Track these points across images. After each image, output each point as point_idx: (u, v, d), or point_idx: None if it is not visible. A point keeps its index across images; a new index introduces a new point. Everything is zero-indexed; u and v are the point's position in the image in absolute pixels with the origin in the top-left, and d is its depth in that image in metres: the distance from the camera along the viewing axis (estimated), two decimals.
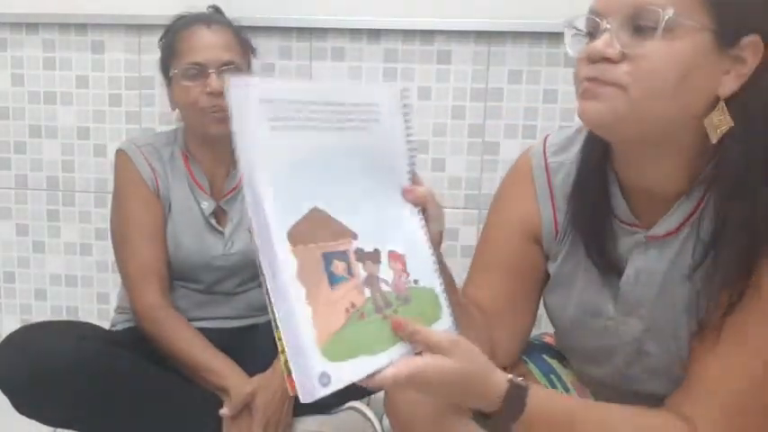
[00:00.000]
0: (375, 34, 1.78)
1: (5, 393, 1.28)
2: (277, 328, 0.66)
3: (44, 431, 1.42)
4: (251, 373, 1.40)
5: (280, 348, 0.67)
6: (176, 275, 1.53)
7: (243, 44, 1.55)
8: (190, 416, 1.38)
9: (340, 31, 1.79)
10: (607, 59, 0.79)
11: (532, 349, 1.13)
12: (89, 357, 1.27)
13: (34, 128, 1.91)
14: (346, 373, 0.69)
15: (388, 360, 0.72)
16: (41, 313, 2.00)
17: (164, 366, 1.41)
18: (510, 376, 0.80)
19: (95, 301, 1.97)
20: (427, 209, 0.83)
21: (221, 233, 1.52)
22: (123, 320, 1.55)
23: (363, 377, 0.70)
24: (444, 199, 1.83)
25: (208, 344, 1.43)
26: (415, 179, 0.83)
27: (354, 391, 1.45)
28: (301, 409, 1.46)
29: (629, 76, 0.79)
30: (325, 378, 0.67)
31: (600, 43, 0.80)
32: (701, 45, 0.78)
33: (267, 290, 0.67)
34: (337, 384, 0.68)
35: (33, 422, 1.33)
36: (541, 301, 1.08)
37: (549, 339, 1.19)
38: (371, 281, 0.75)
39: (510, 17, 1.72)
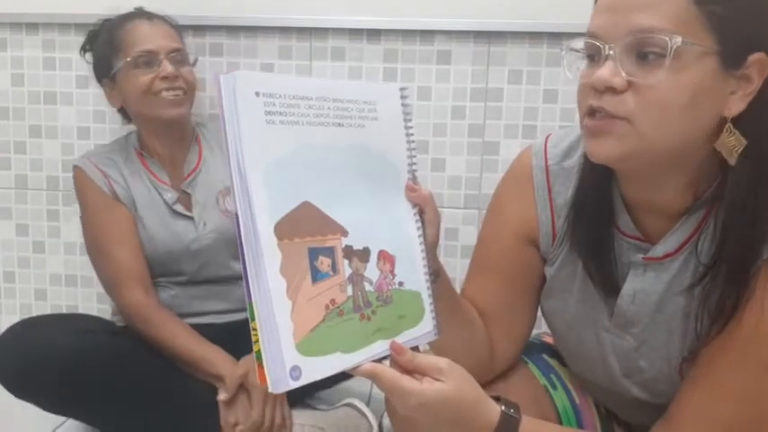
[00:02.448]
0: (375, 34, 1.78)
1: (5, 386, 1.28)
2: (253, 318, 0.67)
3: (44, 431, 1.42)
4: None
5: (254, 338, 0.67)
6: (158, 271, 1.55)
7: (182, 37, 1.62)
8: (189, 406, 1.39)
9: (340, 31, 1.79)
10: (612, 89, 0.78)
11: (532, 349, 1.13)
12: (89, 350, 1.29)
13: (34, 128, 1.91)
14: (318, 368, 0.69)
15: (361, 359, 0.73)
16: (41, 313, 1.99)
17: (163, 358, 1.43)
18: (503, 407, 0.80)
19: (95, 301, 1.97)
20: (425, 212, 0.83)
21: (191, 218, 1.54)
22: (121, 320, 1.55)
23: (334, 373, 0.71)
24: (444, 199, 1.83)
25: (197, 335, 1.45)
26: (415, 180, 0.83)
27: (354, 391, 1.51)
28: (294, 396, 1.48)
29: (636, 107, 0.77)
30: (296, 372, 0.67)
31: (605, 72, 0.77)
32: (708, 69, 0.76)
33: (247, 279, 0.67)
34: (308, 379, 0.68)
35: (33, 422, 1.33)
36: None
37: (548, 339, 1.19)
38: (355, 279, 0.75)
39: (510, 17, 1.72)
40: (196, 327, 1.48)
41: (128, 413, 1.34)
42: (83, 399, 1.30)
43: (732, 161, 0.80)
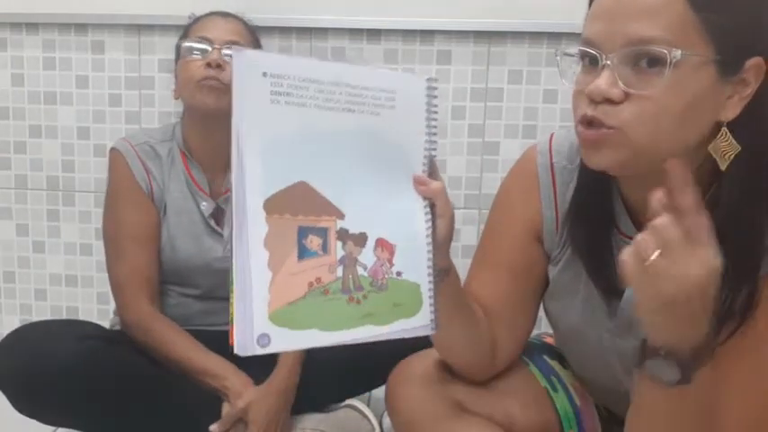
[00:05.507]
0: (375, 34, 1.78)
1: (5, 393, 1.28)
2: (232, 282, 0.69)
3: (44, 431, 1.42)
4: (249, 373, 1.40)
5: (230, 299, 0.69)
6: (173, 280, 1.51)
7: (254, 42, 1.55)
8: (189, 414, 1.38)
9: (340, 31, 1.78)
10: (609, 100, 0.77)
11: (533, 349, 1.13)
12: (89, 357, 1.27)
13: (34, 128, 1.91)
14: (290, 340, 0.72)
15: (342, 339, 0.75)
16: (41, 313, 1.99)
17: (163, 365, 1.41)
18: None
19: (95, 301, 1.97)
20: (436, 205, 0.82)
21: (220, 235, 1.50)
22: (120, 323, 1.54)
23: (310, 348, 0.74)
24: None
25: (202, 347, 1.42)
26: (432, 172, 0.82)
27: (354, 389, 1.51)
28: (299, 408, 1.47)
29: (631, 117, 0.77)
30: (264, 339, 0.70)
31: (603, 83, 0.77)
32: (706, 78, 0.76)
33: (232, 248, 0.69)
34: (277, 348, 0.71)
35: (33, 422, 1.33)
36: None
37: (549, 340, 1.19)
38: (347, 262, 0.76)
39: (510, 17, 1.72)
40: (200, 333, 1.46)
41: (128, 420, 1.33)
42: (83, 406, 1.29)
43: (723, 166, 0.80)
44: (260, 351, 0.69)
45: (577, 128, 0.83)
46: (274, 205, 0.71)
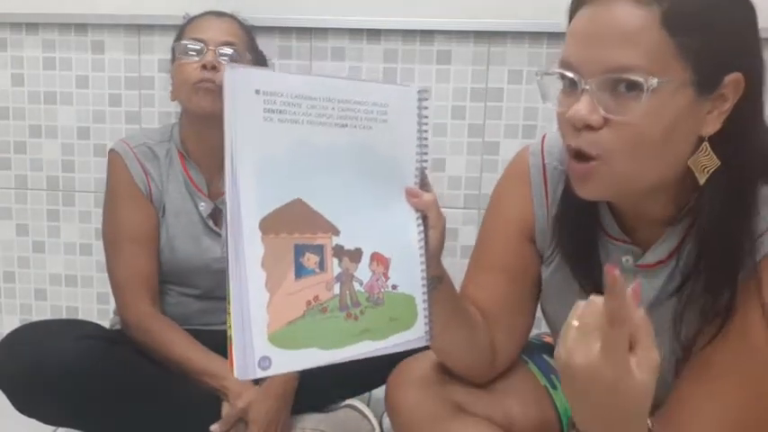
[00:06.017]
0: (375, 34, 1.78)
1: (5, 393, 1.28)
2: (229, 303, 0.68)
3: (44, 431, 1.42)
4: None
5: (228, 323, 0.68)
6: (172, 280, 1.52)
7: (249, 41, 1.55)
8: (190, 414, 1.39)
9: (340, 31, 1.78)
10: (589, 126, 0.79)
11: (532, 349, 1.14)
12: (89, 356, 1.27)
13: (34, 128, 1.91)
14: (292, 361, 0.71)
15: (342, 356, 0.74)
16: (41, 313, 2.00)
17: (163, 364, 1.41)
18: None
19: (95, 301, 1.97)
20: (428, 216, 0.82)
21: (219, 235, 1.50)
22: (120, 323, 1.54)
23: (311, 368, 0.72)
24: (444, 199, 1.82)
25: (202, 347, 1.42)
26: (423, 184, 0.82)
27: (354, 390, 1.50)
28: (299, 408, 1.47)
29: (611, 144, 0.78)
30: (266, 362, 0.69)
31: (583, 109, 0.78)
32: (684, 99, 0.77)
33: (228, 269, 0.68)
34: (278, 370, 0.70)
35: (33, 422, 1.33)
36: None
37: (548, 339, 1.19)
38: (344, 278, 0.75)
39: (510, 17, 1.72)
40: (199, 333, 1.46)
41: (128, 419, 1.34)
42: (83, 406, 1.29)
43: (702, 180, 0.81)
44: (261, 374, 0.69)
45: (565, 154, 0.85)
46: (270, 224, 0.70)
